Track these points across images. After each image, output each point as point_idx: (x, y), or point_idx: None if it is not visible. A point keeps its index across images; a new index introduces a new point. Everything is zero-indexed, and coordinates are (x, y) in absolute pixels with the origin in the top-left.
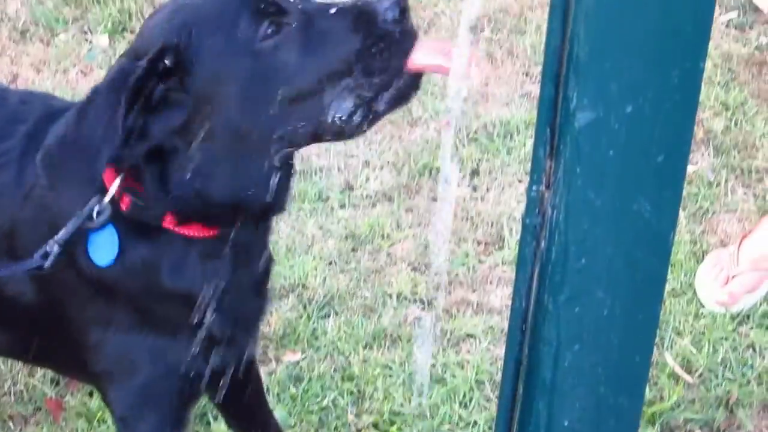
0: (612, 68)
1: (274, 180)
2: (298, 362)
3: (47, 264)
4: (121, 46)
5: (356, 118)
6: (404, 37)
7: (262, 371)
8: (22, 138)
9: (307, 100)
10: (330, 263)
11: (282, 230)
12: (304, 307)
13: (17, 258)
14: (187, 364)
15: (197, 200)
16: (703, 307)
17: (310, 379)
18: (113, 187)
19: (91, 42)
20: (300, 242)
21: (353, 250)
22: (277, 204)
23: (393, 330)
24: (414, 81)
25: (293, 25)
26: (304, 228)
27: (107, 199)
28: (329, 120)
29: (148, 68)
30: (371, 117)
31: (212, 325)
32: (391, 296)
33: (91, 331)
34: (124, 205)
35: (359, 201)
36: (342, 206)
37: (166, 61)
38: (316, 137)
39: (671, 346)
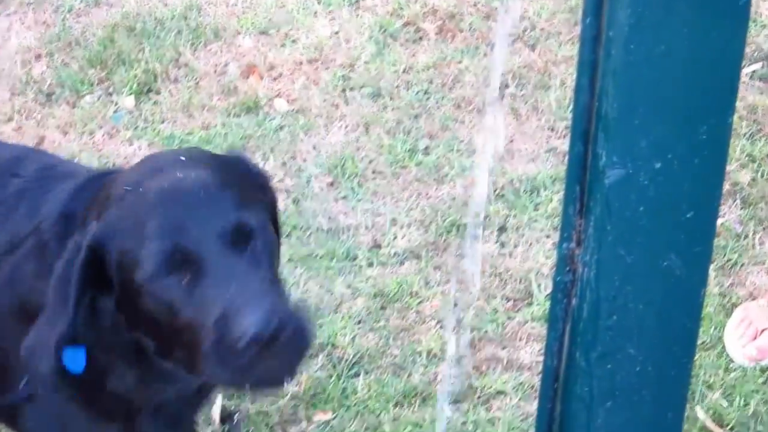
0: (641, 125)
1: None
2: (328, 422)
3: (34, 398)
4: (147, 108)
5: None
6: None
7: (293, 431)
8: (15, 192)
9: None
10: (359, 322)
11: (311, 289)
12: (334, 367)
13: None
14: None
15: None
16: (734, 360)
17: None
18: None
19: (116, 104)
20: (328, 301)
21: (382, 308)
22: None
23: (423, 388)
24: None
25: (182, 287)
26: (332, 287)
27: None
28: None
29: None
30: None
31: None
32: (420, 354)
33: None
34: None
35: (387, 259)
36: (370, 264)
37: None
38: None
39: (702, 400)
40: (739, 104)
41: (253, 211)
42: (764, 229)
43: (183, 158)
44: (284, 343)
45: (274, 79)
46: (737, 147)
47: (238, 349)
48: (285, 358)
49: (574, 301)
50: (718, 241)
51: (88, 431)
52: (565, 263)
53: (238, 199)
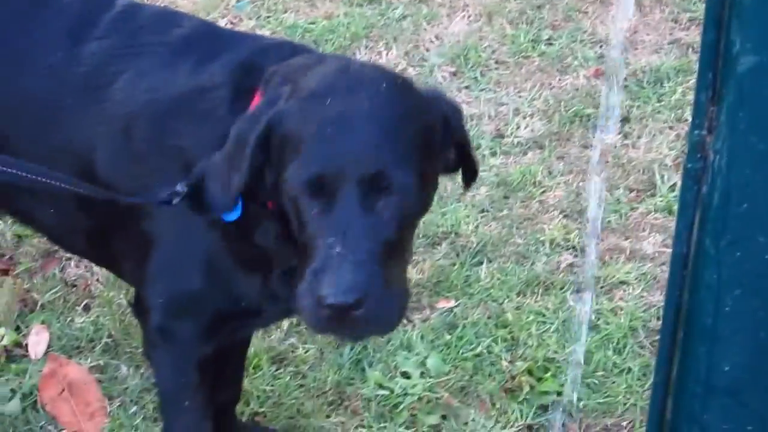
0: None
1: None
2: (451, 309)
3: (175, 201)
4: None
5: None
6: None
7: (417, 318)
8: (181, 38)
9: None
10: (482, 211)
11: None
12: (457, 255)
13: None
14: (238, 298)
15: None
16: None
17: (464, 327)
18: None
19: None
20: (452, 190)
21: (505, 197)
22: None
23: (546, 277)
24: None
25: (311, 211)
26: (455, 176)
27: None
28: None
29: None
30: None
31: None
32: (543, 243)
33: (167, 244)
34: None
35: (510, 149)
36: (493, 154)
37: None
38: None
39: None
40: None
41: (412, 169)
42: None
43: (384, 87)
44: (359, 319)
45: None
46: None
47: (318, 303)
48: (360, 328)
49: (704, 189)
50: None
51: (231, 276)
52: (696, 150)
53: (402, 153)
